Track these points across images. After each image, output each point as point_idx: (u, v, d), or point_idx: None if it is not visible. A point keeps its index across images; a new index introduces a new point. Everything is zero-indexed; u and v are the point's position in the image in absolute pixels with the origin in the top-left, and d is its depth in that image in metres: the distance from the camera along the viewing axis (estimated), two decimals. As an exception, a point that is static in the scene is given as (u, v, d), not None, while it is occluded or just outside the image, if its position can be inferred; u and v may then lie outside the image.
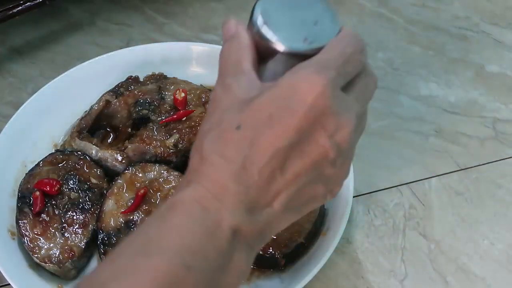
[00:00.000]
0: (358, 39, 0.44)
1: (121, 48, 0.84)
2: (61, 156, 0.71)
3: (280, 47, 0.43)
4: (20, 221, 0.67)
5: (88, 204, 0.68)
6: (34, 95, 0.77)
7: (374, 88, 0.46)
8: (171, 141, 0.71)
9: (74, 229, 0.66)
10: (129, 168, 0.70)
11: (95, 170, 0.71)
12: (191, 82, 0.78)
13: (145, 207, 0.67)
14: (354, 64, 0.43)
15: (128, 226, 0.66)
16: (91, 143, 0.72)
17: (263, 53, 0.44)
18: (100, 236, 0.66)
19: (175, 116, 0.73)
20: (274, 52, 0.43)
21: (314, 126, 0.39)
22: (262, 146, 0.39)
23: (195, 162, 0.41)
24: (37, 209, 0.67)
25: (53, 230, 0.66)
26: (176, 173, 0.70)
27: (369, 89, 0.45)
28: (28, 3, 0.81)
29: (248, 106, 0.40)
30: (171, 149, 0.71)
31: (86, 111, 0.76)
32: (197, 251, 0.37)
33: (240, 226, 0.39)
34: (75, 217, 0.67)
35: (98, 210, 0.68)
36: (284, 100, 0.39)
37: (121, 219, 0.67)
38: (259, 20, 0.43)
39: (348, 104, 0.41)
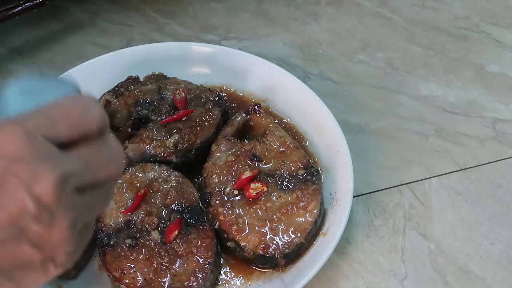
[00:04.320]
0: (86, 102, 0.41)
1: (121, 48, 0.84)
2: (61, 156, 0.71)
3: None
4: (20, 221, 0.67)
5: (88, 204, 0.68)
6: (34, 95, 0.77)
7: (109, 156, 0.41)
8: (171, 141, 0.71)
9: (74, 229, 0.66)
10: (129, 168, 0.70)
11: (95, 170, 0.71)
12: (191, 82, 0.78)
13: (145, 207, 0.67)
14: (71, 122, 0.39)
15: (128, 226, 0.66)
16: (91, 143, 0.72)
17: None
18: (100, 236, 0.66)
19: (175, 116, 0.73)
20: None
21: (6, 175, 0.36)
22: None
23: None
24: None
25: (53, 230, 0.66)
26: (176, 173, 0.70)
27: (100, 155, 0.40)
28: (28, 3, 0.81)
29: None
30: (171, 149, 0.71)
31: (86, 111, 0.76)
32: None
33: None
34: (75, 217, 0.67)
35: (98, 210, 0.68)
36: None
37: (121, 219, 0.67)
38: None
39: (53, 155, 0.37)
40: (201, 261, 0.64)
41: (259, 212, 0.67)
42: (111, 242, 0.65)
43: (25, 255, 0.38)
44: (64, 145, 0.39)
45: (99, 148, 0.40)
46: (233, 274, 0.67)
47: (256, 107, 0.75)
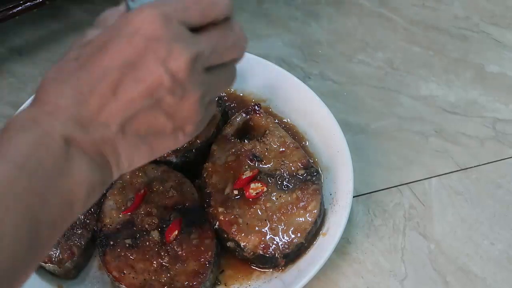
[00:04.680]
0: None
1: (121, 48, 0.84)
2: (61, 156, 0.71)
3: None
4: (20, 221, 0.67)
5: (88, 204, 0.68)
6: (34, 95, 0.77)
7: (235, 41, 0.46)
8: (171, 141, 0.71)
9: (74, 229, 0.66)
10: (129, 168, 0.70)
11: (95, 170, 0.71)
12: (191, 82, 0.78)
13: (145, 207, 0.67)
14: (203, 8, 0.44)
15: (128, 226, 0.66)
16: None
17: None
18: (100, 236, 0.66)
19: (175, 116, 0.73)
20: None
21: (146, 52, 0.41)
22: (91, 68, 0.42)
23: (36, 90, 0.44)
24: (37, 209, 0.67)
25: (53, 230, 0.66)
26: (176, 173, 0.70)
27: (226, 39, 0.45)
28: (28, 3, 0.81)
29: (88, 42, 0.44)
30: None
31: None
32: (30, 156, 0.40)
33: (72, 136, 0.41)
34: (75, 217, 0.67)
35: (98, 210, 0.68)
36: (117, 31, 0.42)
37: (121, 219, 0.67)
38: None
39: (186, 37, 0.42)
40: (201, 261, 0.64)
41: (259, 212, 0.67)
42: (111, 242, 0.65)
43: (159, 124, 0.43)
44: (195, 29, 0.43)
45: (225, 33, 0.45)
46: (233, 274, 0.67)
47: (256, 107, 0.75)
